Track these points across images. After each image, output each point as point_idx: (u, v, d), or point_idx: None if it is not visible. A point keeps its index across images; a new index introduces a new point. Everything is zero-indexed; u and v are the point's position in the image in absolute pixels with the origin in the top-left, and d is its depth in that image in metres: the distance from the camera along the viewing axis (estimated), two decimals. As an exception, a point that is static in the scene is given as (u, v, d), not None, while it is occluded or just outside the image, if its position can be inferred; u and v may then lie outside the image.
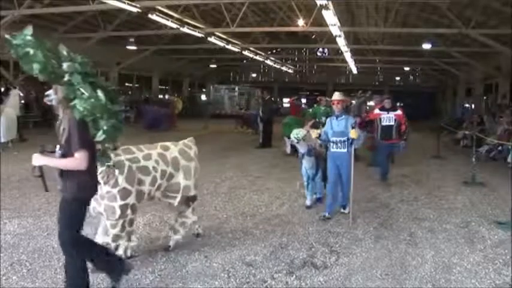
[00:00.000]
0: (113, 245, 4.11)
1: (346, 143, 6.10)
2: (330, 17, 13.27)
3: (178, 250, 4.68)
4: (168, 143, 4.71)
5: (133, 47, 21.99)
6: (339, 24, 14.53)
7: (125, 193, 4.06)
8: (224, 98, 31.22)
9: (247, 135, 17.70)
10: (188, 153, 4.73)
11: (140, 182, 4.21)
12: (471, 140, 12.60)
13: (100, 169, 3.78)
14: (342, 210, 6.34)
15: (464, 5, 15.18)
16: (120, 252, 4.16)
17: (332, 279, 4.12)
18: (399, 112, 8.73)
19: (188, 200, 4.76)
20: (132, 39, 21.10)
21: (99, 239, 4.14)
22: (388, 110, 8.72)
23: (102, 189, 3.93)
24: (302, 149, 6.30)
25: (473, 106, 25.53)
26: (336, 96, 6.41)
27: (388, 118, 8.64)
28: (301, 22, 19.28)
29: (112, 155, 3.93)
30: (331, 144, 6.20)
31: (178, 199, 4.61)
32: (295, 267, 4.34)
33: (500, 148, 12.36)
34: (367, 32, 24.01)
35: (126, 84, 27.98)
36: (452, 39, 19.95)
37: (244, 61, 34.13)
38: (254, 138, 15.38)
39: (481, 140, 12.41)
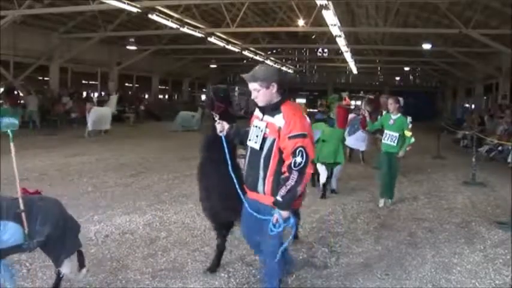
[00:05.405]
0: None
1: None
2: (330, 17, 13.29)
3: (178, 250, 4.67)
4: None
5: (134, 47, 22.00)
6: (339, 24, 14.54)
7: None
8: None
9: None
10: None
11: None
12: (471, 140, 12.62)
13: None
14: None
15: (464, 5, 15.19)
16: None
17: (332, 279, 4.12)
18: (276, 118, 3.17)
19: None
20: (132, 39, 21.11)
21: None
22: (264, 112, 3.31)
23: None
24: None
25: (473, 106, 25.53)
26: None
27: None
28: (301, 22, 19.30)
29: None
30: None
31: None
32: (295, 267, 4.33)
33: (500, 148, 12.36)
34: (367, 32, 24.02)
35: (126, 84, 27.92)
36: (452, 39, 19.96)
37: (244, 61, 34.11)
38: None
39: (481, 140, 12.41)
